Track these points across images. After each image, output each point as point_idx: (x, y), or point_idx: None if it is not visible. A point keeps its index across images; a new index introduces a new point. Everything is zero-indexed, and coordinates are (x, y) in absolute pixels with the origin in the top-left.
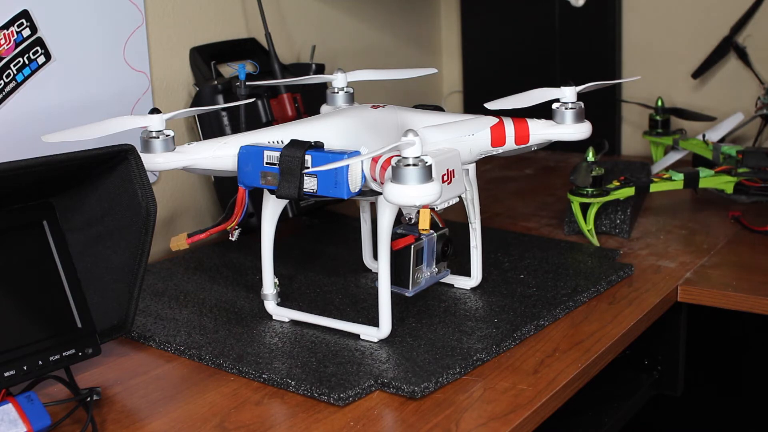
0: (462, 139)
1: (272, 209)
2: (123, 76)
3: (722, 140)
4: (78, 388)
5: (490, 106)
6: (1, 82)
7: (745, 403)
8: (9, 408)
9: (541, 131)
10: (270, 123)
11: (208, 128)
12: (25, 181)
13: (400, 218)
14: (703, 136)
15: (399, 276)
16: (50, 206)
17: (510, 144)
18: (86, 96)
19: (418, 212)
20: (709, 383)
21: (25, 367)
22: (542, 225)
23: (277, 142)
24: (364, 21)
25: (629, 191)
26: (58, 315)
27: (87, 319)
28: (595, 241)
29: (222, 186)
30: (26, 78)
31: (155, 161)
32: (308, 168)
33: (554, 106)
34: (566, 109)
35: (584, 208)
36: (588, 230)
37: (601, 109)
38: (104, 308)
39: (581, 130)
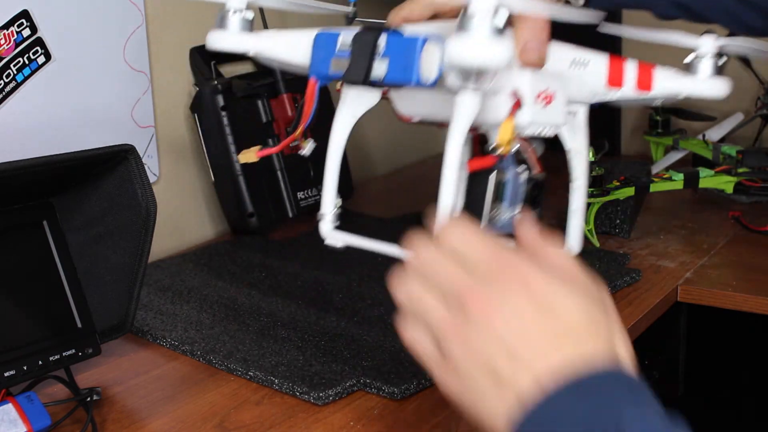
0: (572, 70)
1: (345, 116)
2: (123, 76)
3: (722, 140)
4: (78, 388)
5: (607, 29)
6: (1, 82)
7: (746, 403)
8: (9, 408)
9: (669, 81)
10: (270, 123)
11: (209, 128)
12: (25, 181)
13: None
14: (703, 136)
15: (471, 206)
16: (50, 206)
17: (629, 88)
18: (86, 96)
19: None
20: (709, 383)
21: (25, 367)
22: (542, 225)
23: None
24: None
25: (629, 191)
26: (58, 315)
27: (87, 319)
28: (595, 241)
29: (222, 186)
30: (26, 78)
31: (228, 41)
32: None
33: (689, 58)
34: (704, 59)
35: None
36: (588, 230)
37: (601, 109)
38: (104, 308)
39: (717, 87)
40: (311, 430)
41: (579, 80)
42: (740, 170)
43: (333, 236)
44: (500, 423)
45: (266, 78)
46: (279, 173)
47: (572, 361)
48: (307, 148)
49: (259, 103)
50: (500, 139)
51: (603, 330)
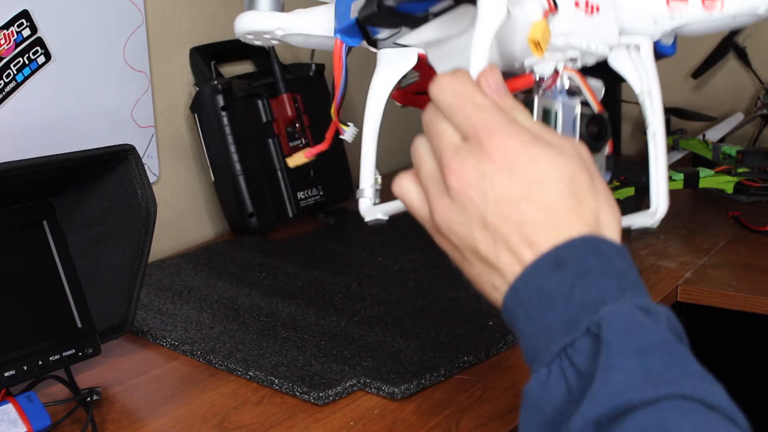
0: None
1: (381, 82)
2: (123, 76)
3: (722, 140)
4: (78, 388)
5: None
6: (1, 82)
7: (746, 403)
8: (9, 408)
9: None
10: (270, 123)
11: (209, 128)
12: (25, 181)
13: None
14: (703, 136)
15: None
16: (50, 206)
17: (695, 8)
18: (86, 96)
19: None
20: None
21: (25, 367)
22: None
23: None
24: None
25: (629, 191)
26: (58, 315)
27: (87, 319)
28: None
29: (222, 186)
30: (26, 78)
31: (260, 20)
32: None
33: None
34: None
35: None
36: None
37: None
38: (104, 308)
39: None
40: (311, 430)
41: (634, 3)
42: (740, 170)
43: (372, 212)
44: (490, 295)
45: (266, 78)
46: (279, 173)
47: (554, 240)
48: (348, 133)
49: (259, 103)
50: (531, 37)
51: (588, 204)
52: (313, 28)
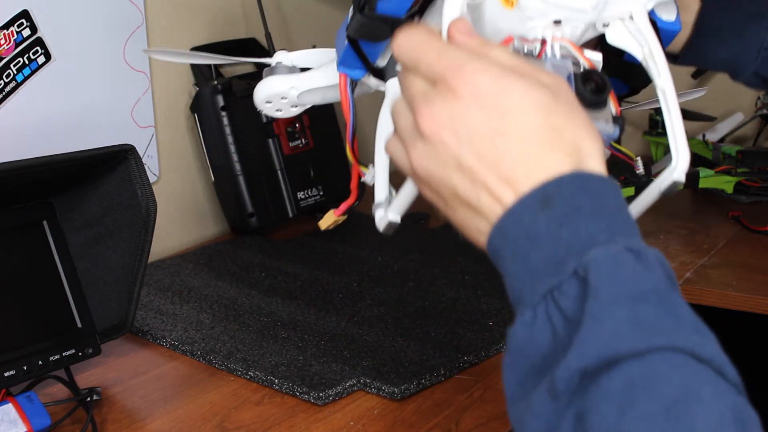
0: None
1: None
2: (123, 76)
3: (722, 140)
4: (78, 388)
5: None
6: (1, 82)
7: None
8: (9, 408)
9: None
10: (270, 123)
11: (209, 128)
12: (25, 181)
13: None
14: (703, 136)
15: None
16: (50, 206)
17: None
18: (86, 96)
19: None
20: None
21: (25, 367)
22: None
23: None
24: None
25: (629, 191)
26: (58, 315)
27: (87, 319)
28: None
29: (222, 186)
30: (26, 78)
31: (278, 81)
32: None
33: None
34: None
35: None
36: None
37: None
38: (104, 308)
39: None
40: (311, 430)
41: None
42: (740, 170)
43: (384, 218)
44: (477, 239)
45: None
46: (279, 173)
47: (535, 176)
48: (369, 175)
49: None
50: None
51: (567, 135)
52: (323, 80)
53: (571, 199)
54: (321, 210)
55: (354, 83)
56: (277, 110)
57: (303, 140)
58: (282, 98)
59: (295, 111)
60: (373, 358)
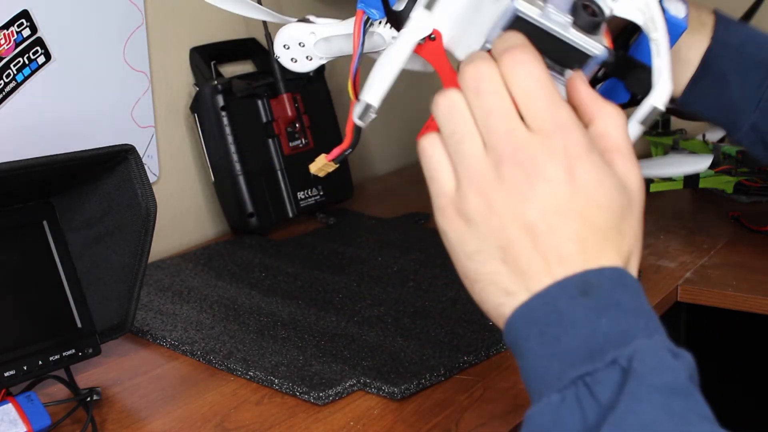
0: None
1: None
2: (123, 76)
3: (722, 140)
4: (78, 388)
5: None
6: (1, 82)
7: (746, 403)
8: (9, 408)
9: None
10: (270, 123)
11: (209, 128)
12: (25, 181)
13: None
14: (703, 136)
15: None
16: (50, 206)
17: None
18: (86, 96)
19: None
20: (709, 383)
21: (25, 367)
22: None
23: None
24: None
25: None
26: (58, 315)
27: (87, 319)
28: None
29: (222, 186)
30: (26, 78)
31: (291, 29)
32: None
33: None
34: None
35: None
36: None
37: None
38: (104, 308)
39: None
40: (311, 430)
41: None
42: (740, 170)
43: (363, 104)
44: (494, 303)
45: (266, 78)
46: (279, 173)
47: (588, 266)
48: (359, 107)
49: (259, 103)
50: None
51: (627, 242)
52: (343, 28)
53: (611, 292)
54: (321, 210)
55: (368, 25)
56: (293, 59)
57: (303, 140)
58: (300, 44)
59: (309, 65)
60: (373, 358)
